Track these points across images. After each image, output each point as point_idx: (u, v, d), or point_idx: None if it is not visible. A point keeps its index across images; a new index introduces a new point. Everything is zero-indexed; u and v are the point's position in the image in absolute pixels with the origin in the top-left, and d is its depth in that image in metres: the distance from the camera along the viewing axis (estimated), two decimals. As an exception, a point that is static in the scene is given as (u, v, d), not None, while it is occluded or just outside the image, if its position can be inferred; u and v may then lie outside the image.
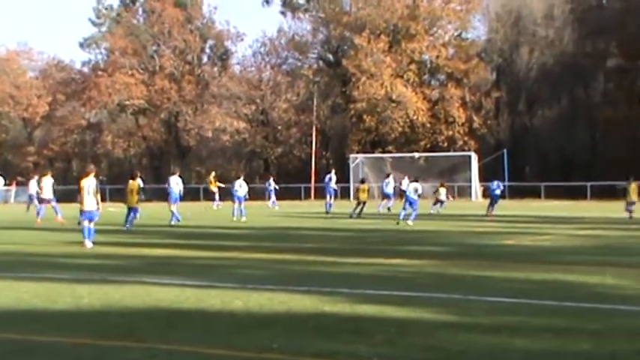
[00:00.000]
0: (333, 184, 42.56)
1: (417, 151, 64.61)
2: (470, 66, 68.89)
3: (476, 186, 58.71)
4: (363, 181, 37.57)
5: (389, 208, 39.60)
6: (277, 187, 49.24)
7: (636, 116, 60.46)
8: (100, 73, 77.31)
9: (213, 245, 19.98)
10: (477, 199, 56.44)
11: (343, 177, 62.04)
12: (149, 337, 8.29)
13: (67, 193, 67.35)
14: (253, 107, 73.93)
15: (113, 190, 58.32)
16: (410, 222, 28.34)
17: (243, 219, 31.42)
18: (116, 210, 33.03)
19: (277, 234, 24.75)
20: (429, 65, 72.17)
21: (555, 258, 16.43)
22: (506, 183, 58.14)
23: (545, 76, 70.96)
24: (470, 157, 59.84)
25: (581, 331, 8.48)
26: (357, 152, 65.51)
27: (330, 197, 41.36)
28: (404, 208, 29.42)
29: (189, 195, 66.65)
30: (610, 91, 69.68)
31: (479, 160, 60.10)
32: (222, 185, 48.21)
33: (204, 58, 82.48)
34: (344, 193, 59.44)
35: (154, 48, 78.65)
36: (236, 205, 32.50)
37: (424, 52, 70.28)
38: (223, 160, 77.14)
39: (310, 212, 39.62)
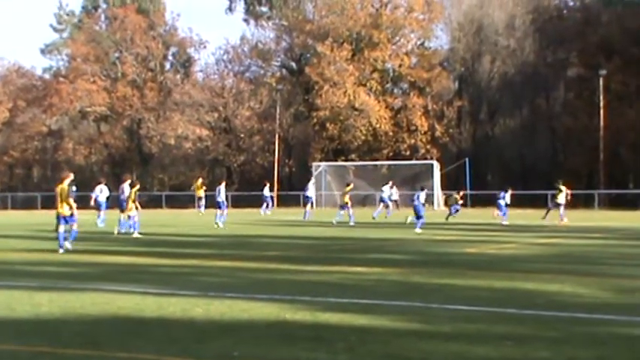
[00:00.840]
0: (310, 193, 43.36)
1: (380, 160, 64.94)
2: (432, 75, 69.29)
3: (438, 194, 58.99)
4: (347, 185, 37.93)
5: (374, 217, 40.31)
6: (272, 195, 50.42)
7: (595, 126, 61.19)
8: (61, 79, 76.79)
9: (175, 253, 19.86)
10: (439, 208, 56.69)
11: (306, 185, 62.07)
12: (109, 346, 8.22)
13: (27, 200, 66.63)
14: (216, 115, 73.78)
15: (75, 197, 57.77)
16: (418, 230, 28.80)
17: (220, 225, 32.20)
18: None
19: (240, 242, 24.68)
20: (391, 74, 72.50)
21: (516, 266, 16.54)
22: (468, 191, 58.60)
23: (507, 85, 71.63)
24: (432, 165, 60.14)
25: (540, 338, 8.54)
26: (320, 160, 65.57)
27: (307, 205, 42.25)
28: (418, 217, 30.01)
29: (152, 202, 66.44)
30: (570, 101, 70.46)
31: (441, 169, 60.45)
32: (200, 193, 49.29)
33: (167, 65, 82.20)
34: (307, 202, 59.38)
35: (116, 55, 78.22)
36: (218, 211, 33.44)
37: (387, 60, 70.60)
38: (185, 167, 76.86)
39: (273, 220, 39.55)
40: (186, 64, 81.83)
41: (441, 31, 74.92)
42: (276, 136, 69.09)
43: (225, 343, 8.29)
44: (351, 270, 15.51)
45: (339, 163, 65.77)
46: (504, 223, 34.49)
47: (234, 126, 74.22)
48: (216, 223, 32.61)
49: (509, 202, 37.10)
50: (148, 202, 67.26)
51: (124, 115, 75.92)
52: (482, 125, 73.01)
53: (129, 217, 27.21)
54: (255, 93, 73.83)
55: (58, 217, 20.27)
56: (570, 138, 69.01)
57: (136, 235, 26.24)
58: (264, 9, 77.93)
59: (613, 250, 20.88)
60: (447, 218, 36.49)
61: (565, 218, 35.59)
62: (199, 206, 49.70)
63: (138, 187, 28.34)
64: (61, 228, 20.11)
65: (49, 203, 65.10)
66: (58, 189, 20.48)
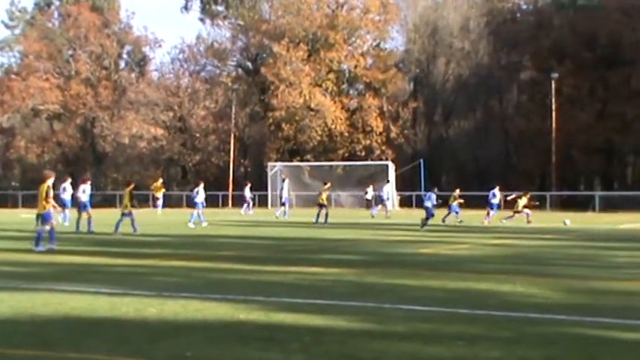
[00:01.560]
0: (285, 193, 43.66)
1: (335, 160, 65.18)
2: (388, 76, 69.59)
3: (393, 195, 59.22)
4: (325, 184, 38.15)
5: (372, 215, 41.39)
6: (252, 196, 51.93)
7: (548, 128, 61.92)
8: (13, 76, 75.78)
9: (129, 253, 19.71)
10: (395, 208, 56.93)
11: (261, 185, 62.06)
12: (60, 346, 8.13)
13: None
14: (171, 114, 73.36)
15: (27, 196, 57.19)
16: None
17: (204, 224, 32.44)
18: (29, 216, 32.30)
19: (195, 241, 24.56)
20: (347, 75, 72.70)
21: (470, 267, 16.68)
22: (423, 192, 58.92)
23: (461, 87, 72.24)
24: (387, 166, 60.39)
25: (492, 338, 8.62)
26: (276, 160, 65.52)
27: (285, 205, 42.66)
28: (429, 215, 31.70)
29: (106, 202, 65.82)
30: (523, 104, 71.26)
31: (396, 170, 60.70)
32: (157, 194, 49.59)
33: (122, 64, 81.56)
34: (261, 201, 59.40)
35: (70, 52, 77.40)
36: (195, 211, 33.65)
37: (343, 61, 70.75)
38: (140, 166, 76.27)
39: (228, 220, 39.43)
40: (141, 62, 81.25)
41: (396, 32, 75.37)
42: (232, 136, 68.88)
43: (178, 343, 8.25)
44: (307, 270, 15.52)
45: (295, 163, 65.78)
46: (485, 223, 35.24)
47: (189, 125, 73.85)
48: (192, 223, 32.75)
49: (498, 203, 38.02)
50: (102, 201, 66.66)
51: (78, 113, 75.14)
52: (436, 126, 73.51)
53: (126, 215, 27.49)
54: (211, 92, 73.54)
55: (38, 216, 20.55)
56: (523, 140, 69.79)
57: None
58: (220, 8, 77.68)
59: (565, 251, 21.14)
60: (443, 220, 36.27)
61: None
62: (156, 206, 49.90)
63: (132, 186, 29.05)
64: (39, 227, 20.38)
65: (2, 201, 64.39)
66: (40, 188, 20.56)
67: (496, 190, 39.41)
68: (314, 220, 35.06)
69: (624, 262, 18.07)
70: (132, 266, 16.56)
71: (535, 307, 10.86)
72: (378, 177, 60.55)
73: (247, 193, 50.90)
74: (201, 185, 36.00)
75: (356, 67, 70.15)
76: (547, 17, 69.14)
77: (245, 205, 50.05)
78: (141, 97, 73.62)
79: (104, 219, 30.57)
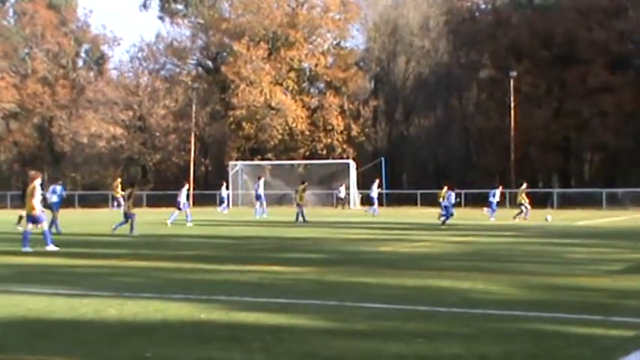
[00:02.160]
0: (261, 191, 43.70)
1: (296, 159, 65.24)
2: (348, 75, 69.74)
3: (354, 193, 59.39)
4: (302, 183, 38.33)
5: (367, 212, 42.08)
6: (228, 194, 53.11)
7: (507, 126, 62.46)
8: (-32, 75, 74.66)
9: (88, 253, 19.55)
10: (356, 207, 57.09)
11: (222, 184, 61.81)
12: (16, 349, 8.04)
13: None
14: (130, 113, 72.85)
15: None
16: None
17: (189, 224, 32.67)
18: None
19: (155, 241, 24.42)
20: (308, 73, 72.71)
21: (430, 264, 16.77)
22: (384, 190, 59.15)
23: (422, 85, 72.61)
24: (348, 164, 60.52)
25: (453, 335, 8.69)
26: (237, 159, 65.36)
27: (262, 204, 42.81)
28: (447, 214, 32.75)
29: (64, 202, 65.16)
30: (482, 102, 71.82)
31: (357, 168, 60.86)
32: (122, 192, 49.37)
33: (80, 63, 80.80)
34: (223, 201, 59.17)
35: (26, 51, 76.52)
36: (176, 212, 34.22)
37: (303, 60, 70.74)
38: (99, 166, 75.66)
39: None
40: (99, 61, 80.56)
41: (356, 31, 75.58)
42: (192, 135, 68.59)
43: (138, 344, 8.20)
44: (268, 269, 15.51)
45: (256, 162, 65.65)
46: (492, 219, 36.16)
47: (149, 124, 73.40)
48: (171, 222, 33.06)
49: (499, 200, 38.41)
50: (60, 201, 65.99)
51: (35, 112, 74.32)
52: (397, 125, 73.81)
53: (129, 216, 27.40)
54: (171, 91, 73.15)
55: (28, 216, 20.66)
56: (483, 138, 70.40)
57: (135, 233, 26.76)
58: (180, 7, 77.27)
59: (523, 248, 21.36)
60: (439, 218, 36.26)
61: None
62: (114, 206, 49.85)
63: (135, 187, 29.62)
64: (29, 227, 20.49)
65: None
66: (29, 189, 20.68)
67: (497, 191, 39.68)
68: (294, 219, 35.44)
69: (581, 258, 18.30)
70: (91, 267, 16.42)
71: (494, 304, 10.96)
72: (339, 175, 60.72)
73: (224, 192, 52.19)
74: (186, 186, 36.81)
75: (316, 65, 70.18)
76: (505, 16, 69.74)
77: (222, 204, 51.34)
78: (99, 96, 73.01)
79: (62, 220, 30.24)
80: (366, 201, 45.56)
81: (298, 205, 36.37)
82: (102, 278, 14.34)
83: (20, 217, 29.05)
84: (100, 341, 8.39)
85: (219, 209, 50.31)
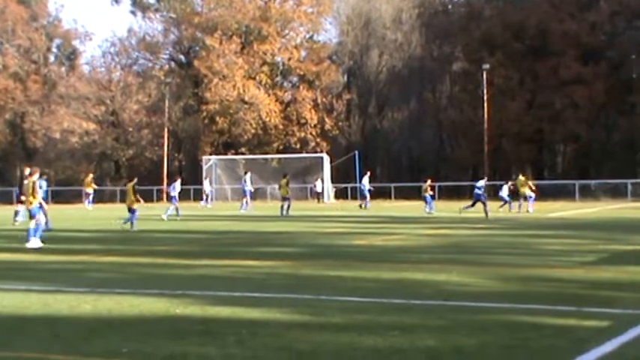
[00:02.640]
0: (249, 186, 43.87)
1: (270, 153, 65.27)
2: (321, 68, 69.73)
3: (328, 187, 59.43)
4: (285, 176, 38.40)
5: (361, 206, 42.65)
6: (212, 189, 53.94)
7: (480, 119, 62.73)
8: (-62, 71, 73.90)
9: (62, 249, 19.42)
10: (330, 200, 57.15)
11: (195, 179, 61.69)
12: (-9, 346, 7.98)
13: None
14: (103, 108, 72.45)
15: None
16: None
17: (178, 218, 33.21)
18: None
19: (129, 237, 24.31)
20: (281, 67, 72.67)
21: (404, 257, 16.82)
22: (358, 184, 59.24)
23: (395, 78, 72.74)
24: (322, 158, 60.54)
25: (427, 327, 8.72)
26: (210, 154, 65.22)
27: (246, 197, 43.50)
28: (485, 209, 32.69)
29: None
30: (456, 94, 72.10)
31: (331, 162, 60.89)
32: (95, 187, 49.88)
33: (51, 58, 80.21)
34: (196, 195, 59.06)
35: (-3, 46, 75.85)
36: (172, 206, 34.83)
37: (276, 53, 70.69)
38: (72, 162, 75.19)
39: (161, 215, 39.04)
40: (71, 56, 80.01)
41: (329, 24, 75.62)
42: (165, 130, 68.32)
43: (113, 340, 8.17)
44: (242, 263, 15.49)
45: (230, 156, 65.53)
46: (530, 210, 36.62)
47: (122, 120, 73.04)
48: (169, 216, 33.40)
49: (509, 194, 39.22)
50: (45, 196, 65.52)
51: (7, 108, 73.71)
52: (371, 118, 73.94)
53: (132, 210, 27.31)
54: (144, 86, 72.83)
55: (29, 211, 20.99)
56: (456, 130, 70.69)
57: (135, 228, 26.72)
58: (152, 1, 76.89)
59: (497, 240, 21.48)
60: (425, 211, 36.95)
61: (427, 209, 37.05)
62: (88, 201, 49.73)
63: (136, 180, 29.25)
64: (32, 223, 20.60)
65: None
66: (29, 184, 21.00)
67: (506, 186, 40.07)
68: (280, 213, 35.51)
69: (554, 249, 18.41)
70: (65, 263, 16.32)
71: (469, 296, 11.01)
72: (313, 169, 60.75)
73: (207, 186, 52.87)
74: (178, 180, 37.06)
75: (289, 59, 70.13)
76: (478, 9, 70.02)
77: (205, 198, 52.14)
78: (71, 91, 72.54)
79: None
80: (360, 195, 45.36)
81: (285, 198, 36.44)
82: (76, 274, 14.25)
83: (16, 213, 29.14)
84: (75, 337, 8.35)
85: (201, 204, 50.89)
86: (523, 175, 40.72)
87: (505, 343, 7.89)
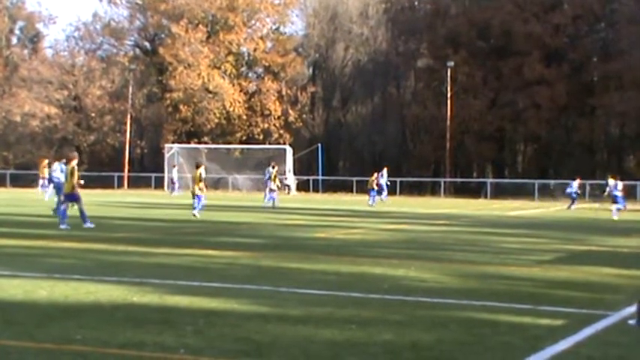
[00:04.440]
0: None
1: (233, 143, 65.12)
2: (287, 60, 69.68)
3: (291, 179, 59.42)
4: (273, 167, 38.22)
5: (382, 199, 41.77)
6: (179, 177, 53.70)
7: (443, 115, 63.08)
8: None
9: (19, 233, 19.23)
10: (292, 192, 57.14)
11: (157, 167, 61.38)
12: (-55, 330, 7.88)
13: None
14: (65, 93, 71.75)
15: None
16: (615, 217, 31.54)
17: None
18: None
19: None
20: (246, 57, 72.48)
21: (364, 251, 16.88)
22: (320, 177, 59.37)
23: (360, 73, 72.88)
24: (285, 150, 60.51)
25: (385, 321, 8.76)
26: (173, 142, 64.90)
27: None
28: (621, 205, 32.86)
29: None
30: (420, 91, 72.41)
31: (294, 154, 60.89)
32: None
33: (14, 40, 79.18)
34: (157, 183, 58.78)
35: (-43, 27, 74.75)
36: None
37: (242, 44, 70.50)
38: (32, 145, 74.36)
39: (124, 202, 38.84)
40: (34, 39, 79.09)
41: (296, 16, 75.57)
42: (128, 117, 67.84)
43: (67, 326, 8.10)
44: (202, 253, 15.45)
45: (192, 145, 65.25)
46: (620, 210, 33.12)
47: (84, 105, 72.39)
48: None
49: (578, 192, 41.60)
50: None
51: (-33, 89, 72.73)
52: (334, 111, 74.04)
53: (197, 197, 27.44)
54: (107, 72, 72.25)
55: (65, 195, 21.91)
56: (419, 126, 71.03)
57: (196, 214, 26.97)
58: (118, -14, 76.15)
59: (456, 237, 21.62)
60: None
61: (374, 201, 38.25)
62: (42, 186, 49.06)
63: (203, 167, 28.96)
64: (69, 206, 21.65)
65: None
66: (68, 169, 21.90)
67: (575, 182, 42.23)
68: (270, 204, 35.32)
69: (512, 248, 18.59)
70: (22, 247, 16.15)
71: (427, 291, 11.07)
72: (275, 161, 60.65)
73: (175, 175, 53.09)
74: (176, 168, 37.10)
75: (255, 50, 69.99)
76: (443, 6, 70.34)
77: (172, 186, 52.70)
78: (34, 74, 71.74)
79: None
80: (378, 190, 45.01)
81: (273, 190, 36.44)
82: (32, 259, 14.12)
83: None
84: (29, 323, 8.27)
85: (168, 191, 51.95)
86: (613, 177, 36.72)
87: (461, 339, 7.95)
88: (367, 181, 42.48)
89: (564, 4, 66.42)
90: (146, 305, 9.44)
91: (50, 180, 31.87)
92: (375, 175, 41.07)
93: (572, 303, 10.30)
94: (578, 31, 65.86)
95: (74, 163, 21.80)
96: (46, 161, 51.87)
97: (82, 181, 22.36)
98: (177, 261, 14.23)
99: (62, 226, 20.95)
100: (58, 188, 26.41)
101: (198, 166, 28.56)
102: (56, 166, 28.06)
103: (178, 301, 9.76)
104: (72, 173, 21.59)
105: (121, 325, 8.23)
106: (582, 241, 20.86)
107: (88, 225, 21.29)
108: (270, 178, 40.02)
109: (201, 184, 27.78)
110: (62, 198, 22.46)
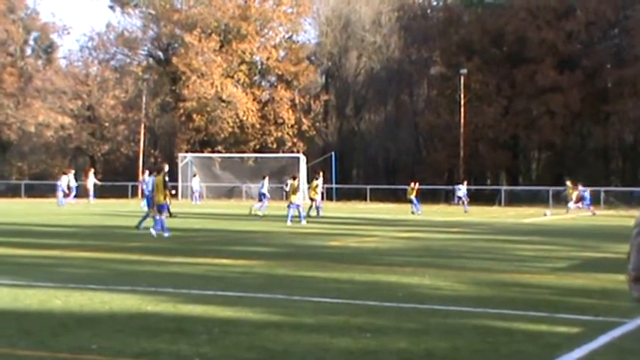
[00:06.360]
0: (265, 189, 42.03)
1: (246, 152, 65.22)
2: (300, 69, 69.72)
3: (304, 188, 59.34)
4: (316, 178, 37.35)
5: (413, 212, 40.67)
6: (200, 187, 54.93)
7: (456, 123, 62.96)
8: None
9: (34, 243, 19.29)
10: (306, 200, 57.07)
11: (171, 177, 61.46)
12: (-40, 340, 7.90)
13: None
14: (79, 103, 71.94)
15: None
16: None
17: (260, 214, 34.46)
18: None
19: (103, 232, 24.20)
20: (259, 66, 72.54)
21: (378, 259, 16.85)
22: (334, 185, 59.33)
23: (373, 81, 72.85)
24: (299, 158, 60.47)
25: (399, 330, 8.73)
26: (186, 151, 65.00)
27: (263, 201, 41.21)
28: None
29: (11, 191, 64.27)
30: (433, 98, 72.31)
31: (307, 162, 60.87)
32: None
33: (28, 51, 79.48)
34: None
35: (-27, 37, 75.10)
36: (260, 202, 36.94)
37: (255, 53, 70.58)
38: (47, 155, 74.72)
39: (137, 211, 38.87)
40: (48, 49, 79.35)
41: (309, 25, 75.57)
42: (142, 126, 68.02)
43: (83, 336, 8.11)
44: (216, 262, 15.45)
45: (206, 154, 65.34)
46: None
47: (98, 115, 72.59)
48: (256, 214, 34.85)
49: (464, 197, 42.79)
50: (6, 190, 65.06)
51: (-19, 100, 73.03)
52: (348, 120, 73.99)
53: (314, 202, 30.35)
54: (121, 82, 72.45)
55: (157, 205, 22.73)
56: (432, 134, 70.90)
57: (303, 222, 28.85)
58: (131, -4, 76.47)
59: (471, 244, 21.55)
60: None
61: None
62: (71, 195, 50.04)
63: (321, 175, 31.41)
64: (162, 215, 22.59)
65: None
66: (156, 180, 22.87)
67: (462, 186, 45.17)
68: (305, 213, 34.78)
69: (527, 255, 18.51)
70: (36, 257, 16.20)
71: (442, 299, 11.04)
72: (289, 169, 60.63)
73: (195, 184, 53.35)
74: (147, 173, 37.49)
75: (268, 59, 70.05)
76: (456, 14, 70.29)
77: (193, 195, 53.13)
78: (48, 84, 72.00)
79: (8, 209, 29.82)
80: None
81: (312, 199, 36.33)
82: (47, 269, 14.16)
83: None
84: (44, 333, 8.29)
85: (192, 201, 52.03)
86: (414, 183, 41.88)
87: (476, 347, 7.92)
88: (406, 190, 42.71)
89: (577, 10, 66.20)
90: (161, 314, 9.44)
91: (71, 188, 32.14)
92: (413, 184, 41.28)
93: (588, 310, 10.24)
94: (591, 38, 65.64)
95: (164, 173, 22.90)
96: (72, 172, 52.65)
97: (173, 192, 23.31)
98: (191, 270, 14.24)
99: (166, 234, 21.95)
100: (148, 199, 26.17)
101: (294, 178, 31.58)
102: (147, 177, 28.65)
103: (192, 309, 9.77)
104: (164, 184, 22.59)
105: (136, 335, 8.24)
106: (597, 248, 20.77)
107: (168, 235, 22.02)
108: (309, 187, 39.49)
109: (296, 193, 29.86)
110: (155, 210, 23.04)
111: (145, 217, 24.87)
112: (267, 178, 40.02)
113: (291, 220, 29.37)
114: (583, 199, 43.70)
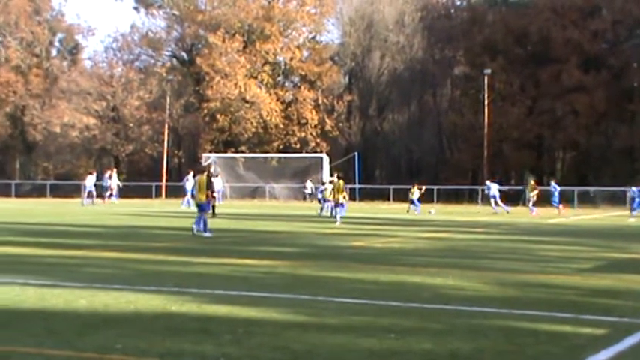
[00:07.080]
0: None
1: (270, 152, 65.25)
2: (323, 69, 69.74)
3: (328, 188, 59.31)
4: (339, 178, 36.87)
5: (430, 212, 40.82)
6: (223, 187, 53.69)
7: (480, 123, 62.71)
8: (-60, 62, 73.83)
9: (60, 243, 19.42)
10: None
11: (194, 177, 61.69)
12: (-13, 339, 7.97)
13: None
14: (104, 103, 72.38)
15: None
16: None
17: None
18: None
19: (128, 232, 24.33)
20: (282, 67, 72.62)
21: (402, 260, 16.82)
22: (357, 185, 59.28)
23: (396, 81, 72.70)
24: (322, 159, 60.47)
25: (424, 330, 8.71)
26: (210, 152, 65.15)
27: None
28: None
29: (36, 191, 64.75)
30: (456, 98, 72.08)
31: (331, 162, 60.84)
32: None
33: (54, 52, 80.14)
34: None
35: (0, 39, 75.77)
36: (186, 198, 37.46)
37: (278, 53, 70.67)
38: (72, 156, 75.22)
39: (162, 211, 39.08)
40: (73, 51, 79.95)
41: (332, 25, 75.59)
42: (166, 127, 68.31)
43: (108, 335, 8.16)
44: (240, 262, 15.48)
45: (229, 155, 65.49)
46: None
47: (122, 115, 72.99)
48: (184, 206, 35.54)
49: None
50: (32, 191, 65.55)
51: (8, 101, 73.66)
52: (371, 120, 73.89)
53: (341, 204, 29.98)
54: (145, 82, 72.78)
55: (198, 205, 22.91)
56: (456, 134, 70.65)
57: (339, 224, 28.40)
58: (155, -3, 76.81)
59: (495, 245, 21.46)
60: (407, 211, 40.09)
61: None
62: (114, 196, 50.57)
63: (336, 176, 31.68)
64: (206, 215, 22.92)
65: None
66: (199, 180, 23.03)
67: (415, 189, 42.68)
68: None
69: (552, 255, 18.41)
70: (62, 257, 16.31)
71: (466, 300, 11.00)
72: (312, 170, 60.67)
73: (218, 184, 52.76)
74: (191, 174, 37.94)
75: (291, 59, 70.11)
76: (480, 13, 70.01)
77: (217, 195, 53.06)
78: (73, 85, 72.51)
79: (33, 210, 30.04)
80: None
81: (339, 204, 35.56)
82: (73, 269, 14.25)
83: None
84: (70, 332, 8.34)
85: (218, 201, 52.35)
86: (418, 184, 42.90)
87: (501, 348, 7.89)
88: (409, 190, 42.86)
89: (603, 9, 65.77)
90: (185, 314, 9.48)
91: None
92: (416, 187, 41.77)
93: (613, 312, 10.17)
94: (617, 37, 65.18)
95: (207, 173, 23.27)
96: (109, 172, 52.83)
97: (214, 194, 23.67)
98: (215, 270, 14.28)
99: (207, 234, 22.18)
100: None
101: (340, 178, 31.69)
102: (190, 178, 29.35)
103: (217, 310, 9.79)
104: (208, 184, 22.84)
105: (161, 334, 8.27)
106: (624, 249, 20.61)
107: (209, 235, 22.19)
108: (334, 189, 38.94)
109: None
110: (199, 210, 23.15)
111: (200, 219, 24.04)
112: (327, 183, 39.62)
113: (340, 220, 29.58)
114: (551, 197, 43.25)
